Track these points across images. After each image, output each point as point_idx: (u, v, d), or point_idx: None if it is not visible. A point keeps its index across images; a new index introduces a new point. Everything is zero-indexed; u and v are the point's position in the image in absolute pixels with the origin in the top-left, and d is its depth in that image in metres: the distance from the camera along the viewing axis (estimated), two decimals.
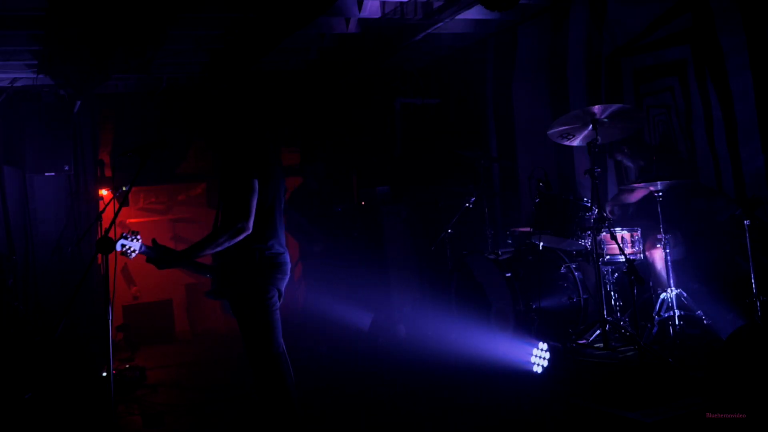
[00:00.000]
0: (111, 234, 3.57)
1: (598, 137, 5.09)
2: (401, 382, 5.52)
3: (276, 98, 8.93)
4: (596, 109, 5.01)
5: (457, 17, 6.35)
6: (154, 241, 3.77)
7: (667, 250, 5.14)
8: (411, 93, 8.47)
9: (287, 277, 3.96)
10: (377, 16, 6.36)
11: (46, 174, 7.66)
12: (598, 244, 5.13)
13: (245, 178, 3.73)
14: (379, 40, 6.97)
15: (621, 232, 5.30)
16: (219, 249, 3.74)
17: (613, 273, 5.51)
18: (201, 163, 9.51)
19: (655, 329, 5.04)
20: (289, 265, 3.99)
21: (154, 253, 3.73)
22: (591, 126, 5.10)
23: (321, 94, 9.01)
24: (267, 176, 3.83)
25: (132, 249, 3.65)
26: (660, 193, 5.14)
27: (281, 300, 3.96)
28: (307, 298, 7.85)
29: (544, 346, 4.86)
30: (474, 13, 6.47)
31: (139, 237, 3.67)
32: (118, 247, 3.58)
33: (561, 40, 6.66)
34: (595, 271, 5.15)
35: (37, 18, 5.83)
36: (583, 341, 5.22)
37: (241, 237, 3.71)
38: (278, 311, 3.91)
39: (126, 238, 3.62)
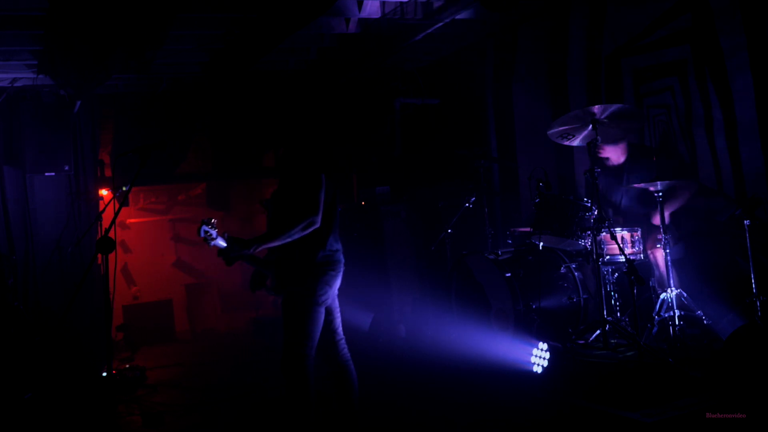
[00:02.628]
0: (111, 234, 3.57)
1: (598, 137, 5.10)
2: (401, 382, 5.51)
3: (276, 98, 8.93)
4: (596, 109, 5.01)
5: (457, 17, 6.34)
6: (226, 234, 3.82)
7: (667, 250, 5.14)
8: (411, 93, 8.47)
9: (340, 274, 4.08)
10: (377, 16, 6.36)
11: (46, 174, 7.66)
12: (598, 244, 5.13)
13: (315, 173, 3.89)
14: (379, 40, 6.97)
15: (621, 232, 5.30)
16: (289, 240, 3.83)
17: (613, 273, 5.51)
18: (201, 163, 9.52)
19: (655, 329, 5.04)
20: (343, 262, 4.09)
21: (228, 244, 3.77)
22: (591, 126, 5.10)
23: (321, 94, 9.01)
24: (329, 174, 3.99)
25: (212, 236, 3.68)
26: (660, 193, 5.14)
27: (334, 295, 4.09)
28: None
29: (544, 346, 4.86)
30: (474, 13, 6.47)
31: (215, 225, 3.72)
32: (201, 233, 3.65)
33: (561, 40, 6.66)
34: (595, 271, 5.15)
35: (37, 18, 5.83)
36: (583, 341, 5.22)
37: (311, 230, 3.82)
38: (323, 311, 3.99)
39: (207, 224, 3.67)
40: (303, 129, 4.17)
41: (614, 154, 5.66)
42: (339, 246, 4.08)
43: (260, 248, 3.84)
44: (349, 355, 4.21)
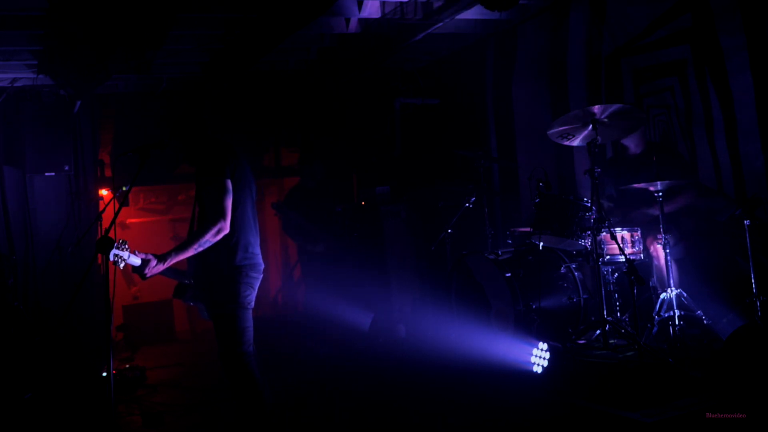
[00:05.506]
0: (111, 234, 3.58)
1: (598, 137, 5.09)
2: (401, 382, 5.51)
3: (276, 98, 8.94)
4: (596, 109, 5.01)
5: (457, 17, 6.34)
6: (136, 251, 3.79)
7: (668, 250, 5.15)
8: (411, 93, 8.47)
9: (260, 275, 4.08)
10: (377, 16, 6.36)
11: (46, 174, 7.66)
12: (598, 244, 5.13)
13: (219, 179, 3.87)
14: (379, 40, 6.97)
15: (621, 232, 5.30)
16: (201, 249, 3.84)
17: (613, 273, 5.51)
18: None
19: (655, 329, 5.04)
20: (262, 265, 4.10)
21: (141, 261, 3.75)
22: (591, 126, 5.10)
23: (321, 94, 9.01)
24: (239, 177, 3.97)
25: (123, 258, 3.63)
26: (660, 193, 5.14)
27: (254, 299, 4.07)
28: (307, 298, 7.86)
29: (544, 346, 4.86)
30: (474, 13, 6.47)
31: (127, 246, 3.67)
32: (111, 257, 3.58)
33: (561, 40, 6.66)
34: (595, 271, 5.15)
35: (37, 18, 5.84)
36: (583, 341, 5.22)
37: (221, 236, 3.85)
38: (250, 311, 4.02)
39: (118, 247, 3.59)
40: (206, 134, 4.14)
41: (633, 143, 5.66)
42: (257, 249, 4.10)
43: (173, 261, 3.83)
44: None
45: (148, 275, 3.78)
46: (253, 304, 4.03)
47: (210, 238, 3.82)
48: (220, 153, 3.98)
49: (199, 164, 4.04)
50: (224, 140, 4.14)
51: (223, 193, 3.85)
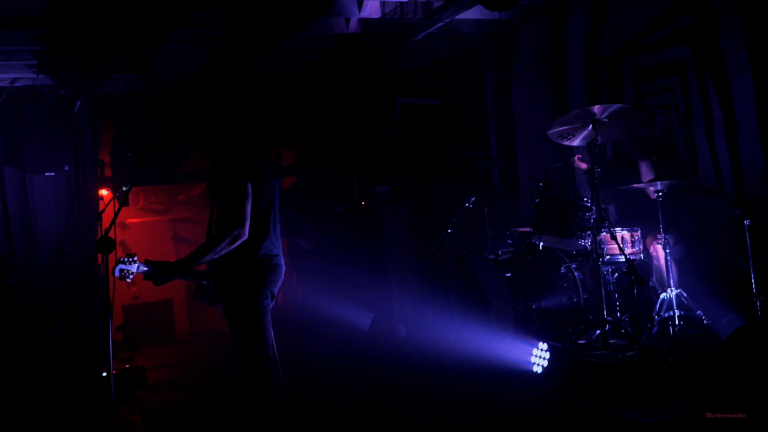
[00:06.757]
0: (111, 234, 3.57)
1: (598, 137, 5.10)
2: (401, 382, 5.52)
3: (276, 98, 8.94)
4: (596, 109, 5.01)
5: (457, 17, 6.35)
6: (146, 260, 3.71)
7: (667, 250, 5.15)
8: (411, 93, 8.47)
9: (280, 279, 3.96)
10: (377, 16, 6.36)
11: (46, 174, 7.66)
12: (598, 244, 5.13)
13: (239, 183, 3.72)
14: (379, 40, 6.97)
15: (621, 232, 5.31)
16: (217, 256, 3.72)
17: (613, 273, 5.52)
18: (201, 163, 9.52)
19: (655, 329, 5.04)
20: (283, 268, 3.98)
21: (152, 269, 3.67)
22: (591, 126, 5.10)
23: (321, 94, 9.01)
24: (260, 179, 3.83)
25: (130, 272, 3.60)
26: (660, 193, 5.14)
27: (273, 302, 3.95)
28: (306, 298, 7.85)
29: (544, 346, 4.86)
30: (474, 13, 6.47)
31: (136, 259, 3.62)
32: (117, 273, 3.52)
33: (561, 40, 6.66)
34: (595, 271, 5.15)
35: (37, 18, 5.84)
36: (583, 341, 5.22)
37: (239, 243, 3.70)
38: (269, 314, 3.89)
39: (124, 262, 3.54)
40: (232, 133, 4.00)
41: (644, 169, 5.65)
42: (278, 251, 3.94)
43: (188, 267, 3.71)
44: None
45: (161, 282, 3.69)
46: (270, 307, 3.88)
47: (227, 246, 3.67)
48: (241, 154, 3.85)
49: (218, 164, 3.90)
50: (251, 137, 4.01)
51: (243, 197, 3.70)
